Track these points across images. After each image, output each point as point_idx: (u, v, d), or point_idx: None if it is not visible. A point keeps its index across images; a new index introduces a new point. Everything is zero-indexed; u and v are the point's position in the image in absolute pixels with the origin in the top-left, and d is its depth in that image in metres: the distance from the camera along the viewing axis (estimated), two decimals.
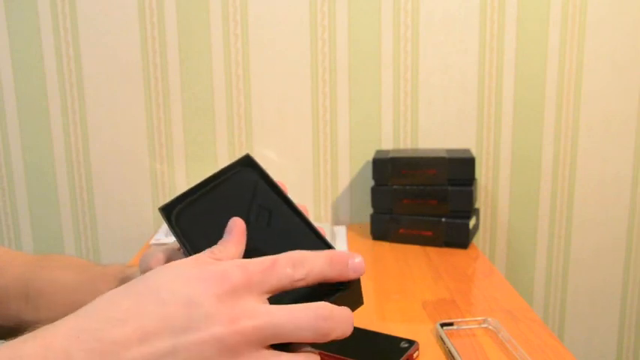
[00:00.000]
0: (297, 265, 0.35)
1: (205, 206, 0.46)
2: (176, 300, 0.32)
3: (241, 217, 0.42)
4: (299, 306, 0.33)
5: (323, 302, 0.34)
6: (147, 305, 0.32)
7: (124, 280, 0.55)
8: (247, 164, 0.47)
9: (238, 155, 1.08)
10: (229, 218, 0.42)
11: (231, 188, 0.46)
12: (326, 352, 0.55)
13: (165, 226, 1.03)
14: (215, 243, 0.39)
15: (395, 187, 0.94)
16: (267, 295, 0.34)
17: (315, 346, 0.57)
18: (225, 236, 0.40)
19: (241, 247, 0.40)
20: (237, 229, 0.40)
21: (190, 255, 0.39)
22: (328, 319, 0.34)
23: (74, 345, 0.30)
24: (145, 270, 0.49)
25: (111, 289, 0.54)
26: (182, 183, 1.09)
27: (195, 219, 0.45)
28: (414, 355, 0.56)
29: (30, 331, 0.33)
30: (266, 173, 0.46)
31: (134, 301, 0.32)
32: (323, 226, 1.01)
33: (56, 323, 0.32)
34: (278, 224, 0.44)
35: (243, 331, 0.31)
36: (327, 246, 0.40)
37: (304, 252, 0.36)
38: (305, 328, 0.33)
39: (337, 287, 0.37)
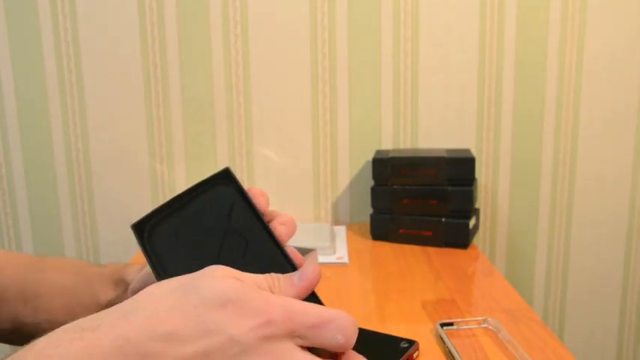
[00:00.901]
0: (346, 332, 0.35)
1: (179, 224, 0.43)
2: (220, 333, 0.32)
3: (216, 237, 0.42)
4: None
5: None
6: (191, 331, 0.32)
7: (117, 281, 0.56)
8: (225, 178, 0.45)
9: (238, 155, 1.08)
10: (203, 238, 0.41)
11: (207, 205, 0.44)
12: None
13: None
14: (187, 266, 0.38)
15: (395, 187, 0.94)
16: (307, 345, 0.34)
17: None
18: (296, 279, 0.38)
19: (302, 298, 0.38)
20: (311, 280, 0.39)
21: (161, 279, 0.38)
22: None
23: (116, 355, 0.31)
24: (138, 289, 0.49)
25: (107, 290, 0.53)
26: (182, 183, 1.09)
27: (168, 238, 0.43)
28: (414, 355, 0.56)
29: (28, 333, 0.32)
30: (243, 190, 0.45)
31: (181, 324, 0.32)
32: (322, 226, 1.01)
33: (102, 324, 0.32)
34: (252, 247, 0.42)
35: None
36: (294, 269, 0.41)
37: (353, 321, 0.36)
38: None
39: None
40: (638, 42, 1.05)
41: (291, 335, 0.34)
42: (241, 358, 0.32)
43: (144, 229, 0.43)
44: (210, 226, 0.43)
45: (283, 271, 0.39)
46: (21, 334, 0.57)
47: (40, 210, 1.10)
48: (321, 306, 0.36)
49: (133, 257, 0.95)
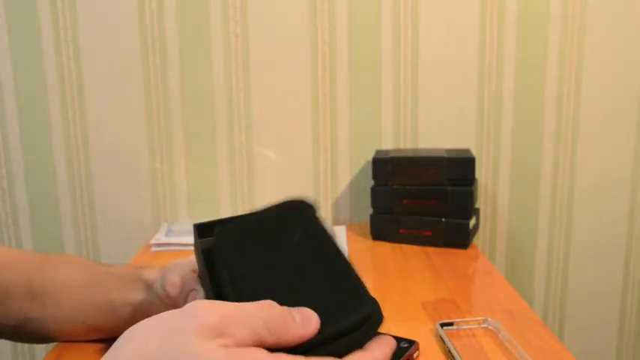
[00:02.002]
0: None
1: (247, 237, 0.41)
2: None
3: (283, 256, 0.39)
4: None
5: None
6: None
7: (132, 281, 0.56)
8: (301, 205, 0.43)
9: (238, 155, 1.08)
10: (270, 254, 0.38)
11: (279, 223, 0.42)
12: None
13: (165, 226, 1.03)
14: (241, 283, 0.35)
15: (395, 187, 0.94)
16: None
17: None
18: (296, 315, 0.34)
19: (304, 339, 0.34)
20: (312, 325, 0.34)
21: (208, 295, 0.36)
22: None
23: None
24: (164, 287, 0.51)
25: (120, 290, 0.53)
26: (182, 183, 1.09)
27: (230, 248, 0.40)
28: (414, 355, 0.56)
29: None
30: (319, 218, 0.42)
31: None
32: None
33: None
34: (318, 270, 0.39)
35: None
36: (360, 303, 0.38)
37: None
38: None
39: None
40: (638, 42, 1.05)
41: None
42: None
43: (206, 232, 0.41)
44: (279, 245, 0.41)
45: (344, 302, 0.37)
46: (24, 330, 0.57)
47: (40, 210, 1.10)
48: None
49: (133, 257, 0.95)
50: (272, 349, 0.32)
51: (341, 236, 0.99)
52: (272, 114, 1.07)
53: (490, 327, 0.62)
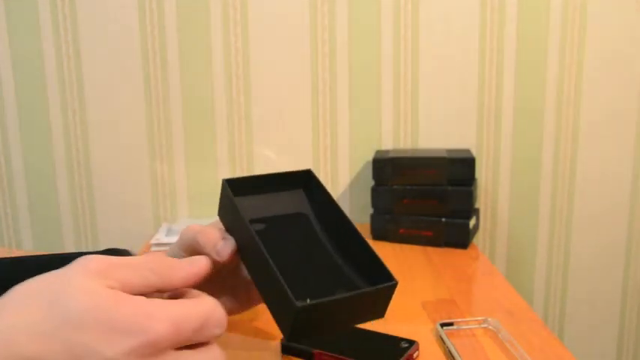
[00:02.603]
0: (223, 325, 0.34)
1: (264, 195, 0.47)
2: (92, 357, 0.29)
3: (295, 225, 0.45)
4: (208, 350, 0.34)
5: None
6: (57, 357, 0.29)
7: None
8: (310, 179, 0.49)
9: (238, 155, 1.08)
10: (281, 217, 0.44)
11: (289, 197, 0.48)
12: (326, 352, 0.55)
13: (165, 226, 1.03)
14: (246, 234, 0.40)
15: (395, 187, 0.94)
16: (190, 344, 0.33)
17: (315, 346, 0.57)
18: (186, 261, 0.37)
19: (190, 283, 0.37)
20: (202, 268, 0.37)
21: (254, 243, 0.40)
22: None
23: None
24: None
25: None
26: (182, 183, 1.09)
27: (252, 205, 0.46)
28: (414, 355, 0.56)
29: None
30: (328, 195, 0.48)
31: (44, 349, 0.29)
32: None
33: None
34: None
35: None
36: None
37: (222, 311, 0.35)
38: None
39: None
40: (638, 42, 1.05)
41: (176, 345, 0.32)
42: None
43: (234, 187, 0.46)
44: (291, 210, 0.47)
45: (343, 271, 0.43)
46: None
47: (40, 210, 1.10)
48: (195, 301, 0.34)
49: None
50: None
51: None
52: (272, 114, 1.07)
53: (490, 327, 0.62)
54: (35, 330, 0.29)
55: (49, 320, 0.29)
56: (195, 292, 0.37)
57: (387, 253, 0.91)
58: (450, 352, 0.56)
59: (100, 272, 0.32)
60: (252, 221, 0.46)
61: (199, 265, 0.37)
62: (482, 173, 1.08)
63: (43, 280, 0.32)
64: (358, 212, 1.09)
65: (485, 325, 0.63)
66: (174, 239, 0.95)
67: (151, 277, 0.34)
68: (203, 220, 1.09)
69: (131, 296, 0.32)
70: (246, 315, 0.63)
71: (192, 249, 0.46)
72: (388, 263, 0.86)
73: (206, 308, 0.33)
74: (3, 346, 0.28)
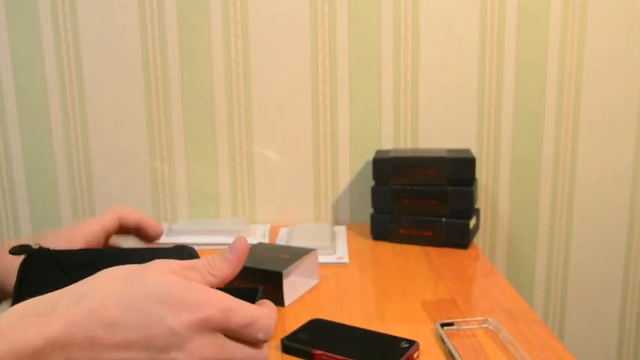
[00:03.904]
0: (268, 333, 0.41)
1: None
2: (160, 324, 0.37)
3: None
4: (256, 350, 0.41)
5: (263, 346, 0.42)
6: (133, 321, 0.36)
7: None
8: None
9: (238, 155, 1.08)
10: None
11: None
12: (326, 352, 0.55)
13: (165, 226, 1.03)
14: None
15: (395, 187, 0.94)
16: (234, 338, 0.40)
17: (315, 346, 0.57)
18: (228, 254, 0.43)
19: (238, 269, 0.43)
20: (240, 251, 0.44)
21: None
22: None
23: (67, 338, 0.35)
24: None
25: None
26: (182, 183, 1.09)
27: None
28: (414, 355, 0.56)
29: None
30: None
31: (124, 314, 0.36)
32: (323, 226, 1.01)
33: (56, 309, 0.36)
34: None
35: None
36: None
37: (274, 319, 0.42)
38: None
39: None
40: (638, 42, 1.05)
41: (224, 330, 0.39)
42: (178, 347, 0.37)
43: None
44: None
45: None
46: None
47: (40, 210, 1.10)
48: (250, 305, 0.41)
49: None
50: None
51: (341, 236, 0.99)
52: (272, 114, 1.07)
53: (490, 327, 0.62)
54: (119, 298, 0.37)
55: (130, 293, 0.37)
56: (266, 301, 0.44)
57: (387, 253, 0.91)
58: (450, 352, 0.56)
59: (171, 269, 0.40)
60: None
61: (240, 251, 0.43)
62: (482, 173, 1.09)
63: (125, 269, 0.40)
64: (358, 212, 1.09)
65: (485, 325, 0.63)
66: (174, 239, 0.95)
67: (209, 277, 0.41)
68: (203, 220, 1.09)
69: (197, 283, 0.40)
70: None
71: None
72: (388, 263, 0.86)
73: (256, 312, 0.40)
74: (97, 311, 0.36)
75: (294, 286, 0.74)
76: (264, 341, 0.41)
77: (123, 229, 0.64)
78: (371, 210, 0.97)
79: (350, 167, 1.08)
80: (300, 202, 1.09)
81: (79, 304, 0.36)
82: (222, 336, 0.39)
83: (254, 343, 0.41)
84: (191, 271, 0.41)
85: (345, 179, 1.09)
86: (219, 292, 0.40)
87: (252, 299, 0.43)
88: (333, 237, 0.96)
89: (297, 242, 0.89)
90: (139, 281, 0.38)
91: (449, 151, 0.99)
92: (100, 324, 0.36)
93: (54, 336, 0.34)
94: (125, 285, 0.38)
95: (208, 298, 0.39)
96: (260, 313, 0.40)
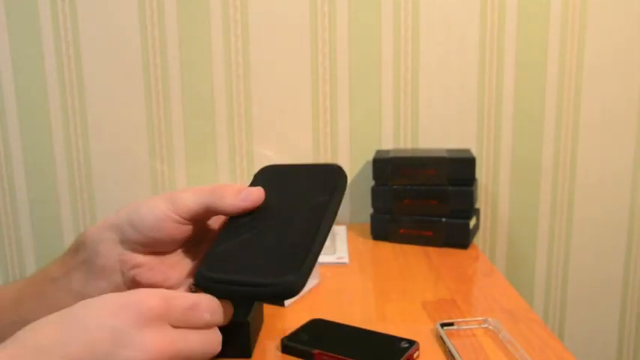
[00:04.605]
0: (215, 313, 0.40)
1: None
2: (100, 328, 0.35)
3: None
4: (208, 332, 0.40)
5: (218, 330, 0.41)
6: (72, 333, 0.34)
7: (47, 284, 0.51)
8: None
9: (238, 155, 1.08)
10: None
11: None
12: (326, 352, 0.55)
13: None
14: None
15: (395, 187, 0.94)
16: (182, 326, 0.38)
17: (315, 346, 0.57)
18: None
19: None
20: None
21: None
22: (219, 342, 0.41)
23: None
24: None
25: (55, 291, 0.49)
26: (182, 183, 1.09)
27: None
28: (414, 355, 0.56)
29: None
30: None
31: (61, 330, 0.34)
32: None
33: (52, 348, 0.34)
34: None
35: (162, 355, 0.36)
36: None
37: (221, 301, 0.41)
38: (211, 352, 0.40)
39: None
40: (638, 42, 1.05)
41: (169, 320, 0.38)
42: (128, 346, 0.35)
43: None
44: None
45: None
46: None
47: (40, 210, 1.10)
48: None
49: None
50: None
51: (341, 236, 0.99)
52: (272, 114, 1.07)
53: (490, 327, 0.62)
54: (58, 321, 0.36)
55: (64, 316, 0.36)
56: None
57: (387, 253, 0.91)
58: (450, 352, 0.56)
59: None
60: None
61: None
62: (482, 173, 1.08)
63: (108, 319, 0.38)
64: (358, 212, 1.09)
65: (485, 325, 0.63)
66: None
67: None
68: None
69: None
70: None
71: (194, 213, 0.46)
72: (388, 263, 0.86)
73: (196, 295, 0.39)
74: (36, 336, 0.35)
75: None
76: (214, 323, 0.40)
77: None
78: (371, 210, 0.97)
79: (350, 167, 1.08)
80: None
81: (7, 345, 0.34)
82: (170, 327, 0.37)
83: (204, 328, 0.39)
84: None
85: None
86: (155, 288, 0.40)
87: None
88: (333, 237, 0.96)
89: None
90: (69, 309, 0.37)
91: (449, 151, 0.99)
92: (36, 349, 0.33)
93: None
94: (57, 314, 0.36)
95: (145, 291, 0.38)
96: (198, 295, 0.40)
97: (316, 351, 0.55)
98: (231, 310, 0.42)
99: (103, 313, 0.35)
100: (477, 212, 0.98)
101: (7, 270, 1.13)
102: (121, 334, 0.35)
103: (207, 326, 0.40)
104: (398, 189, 0.94)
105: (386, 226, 0.96)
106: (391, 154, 0.96)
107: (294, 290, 0.40)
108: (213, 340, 0.40)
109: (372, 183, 0.97)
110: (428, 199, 0.92)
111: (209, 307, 0.39)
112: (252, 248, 0.43)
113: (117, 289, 0.46)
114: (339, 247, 0.92)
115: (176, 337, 0.37)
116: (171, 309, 0.37)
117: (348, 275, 0.81)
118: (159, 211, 0.45)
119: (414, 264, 0.85)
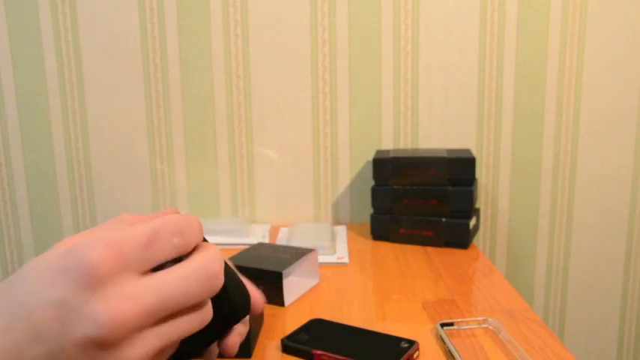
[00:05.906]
0: (184, 232, 0.31)
1: None
2: (42, 305, 0.28)
3: None
4: (186, 268, 0.30)
5: (209, 256, 0.31)
6: (16, 316, 0.28)
7: None
8: None
9: (238, 155, 1.08)
10: None
11: None
12: (326, 352, 0.55)
13: None
14: None
15: (395, 187, 0.94)
16: (150, 268, 0.29)
17: (315, 346, 0.57)
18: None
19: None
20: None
21: None
22: (219, 274, 0.31)
23: None
24: None
25: None
26: (182, 183, 1.09)
27: None
28: (414, 355, 0.56)
29: None
30: None
31: (5, 313, 0.28)
32: (323, 226, 1.01)
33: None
34: None
35: (125, 321, 0.27)
36: None
37: (184, 217, 0.31)
38: (197, 293, 0.30)
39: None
40: (638, 42, 1.05)
41: (127, 268, 0.29)
42: (77, 322, 0.27)
43: None
44: None
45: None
46: None
47: (40, 210, 1.10)
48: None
49: None
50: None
51: (341, 236, 0.99)
52: (272, 114, 1.07)
53: (490, 327, 0.62)
54: None
55: (7, 291, 0.29)
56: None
57: (387, 253, 0.91)
58: (450, 352, 0.56)
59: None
60: None
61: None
62: (482, 173, 1.09)
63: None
64: (358, 212, 1.09)
65: (485, 325, 0.63)
66: None
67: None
68: (203, 220, 1.09)
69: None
70: None
71: None
72: (388, 263, 0.86)
73: (153, 223, 0.30)
74: None
75: (294, 286, 0.74)
76: (188, 246, 0.31)
77: None
78: (371, 210, 0.97)
79: (350, 167, 1.08)
80: (300, 202, 1.09)
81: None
82: (133, 278, 0.28)
83: (180, 259, 0.31)
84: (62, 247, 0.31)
85: (345, 179, 1.09)
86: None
87: None
88: (333, 237, 0.96)
89: (297, 242, 0.89)
90: (6, 285, 0.30)
91: (449, 151, 0.99)
92: None
93: None
94: (2, 289, 0.29)
95: (87, 243, 0.28)
96: (154, 222, 0.30)
97: (316, 351, 0.55)
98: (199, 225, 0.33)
99: (43, 283, 0.28)
100: (477, 212, 0.98)
101: (7, 270, 1.13)
102: (66, 308, 0.27)
103: (179, 253, 0.30)
104: (398, 189, 0.94)
105: (386, 226, 0.96)
106: (391, 154, 0.96)
107: None
108: (206, 264, 0.30)
109: (372, 183, 0.97)
110: (428, 199, 0.92)
111: (173, 228, 0.30)
112: None
113: None
114: (340, 247, 0.92)
115: (139, 290, 0.28)
116: (123, 254, 0.28)
117: (348, 275, 0.81)
118: None
119: (414, 264, 0.85)
